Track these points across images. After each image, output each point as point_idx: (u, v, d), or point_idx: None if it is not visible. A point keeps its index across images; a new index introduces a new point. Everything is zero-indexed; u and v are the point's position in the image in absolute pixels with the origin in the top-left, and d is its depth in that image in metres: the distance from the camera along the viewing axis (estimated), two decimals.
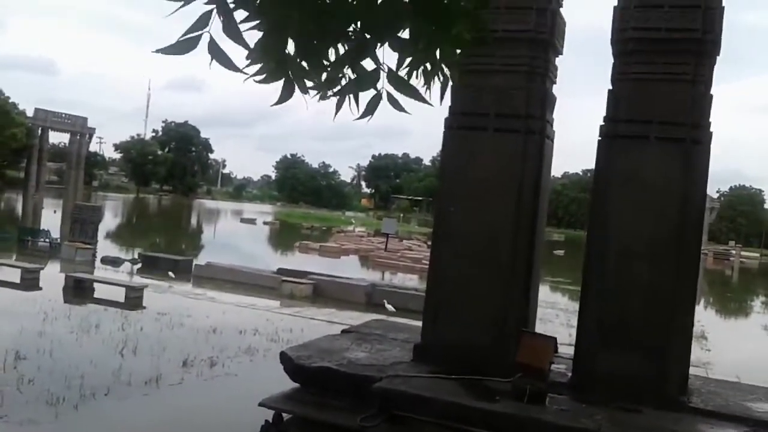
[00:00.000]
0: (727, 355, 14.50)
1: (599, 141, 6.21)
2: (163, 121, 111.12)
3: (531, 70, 6.50)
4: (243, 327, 12.56)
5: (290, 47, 2.09)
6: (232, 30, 1.99)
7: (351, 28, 2.08)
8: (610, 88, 6.22)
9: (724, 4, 5.94)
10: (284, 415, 6.03)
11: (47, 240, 24.19)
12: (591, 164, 6.45)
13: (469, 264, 6.49)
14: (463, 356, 6.18)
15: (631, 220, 5.94)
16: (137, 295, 14.67)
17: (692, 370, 6.29)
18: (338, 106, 2.24)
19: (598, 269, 6.06)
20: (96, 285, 15.70)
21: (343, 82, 2.21)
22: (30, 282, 15.68)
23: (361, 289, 17.94)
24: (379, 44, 2.09)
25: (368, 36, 2.07)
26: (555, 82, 6.93)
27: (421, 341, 6.62)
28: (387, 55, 2.15)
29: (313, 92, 2.25)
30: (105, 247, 25.03)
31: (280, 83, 2.16)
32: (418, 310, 8.19)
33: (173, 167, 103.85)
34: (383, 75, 2.15)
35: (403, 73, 2.19)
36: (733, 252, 65.48)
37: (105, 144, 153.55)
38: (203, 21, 2.00)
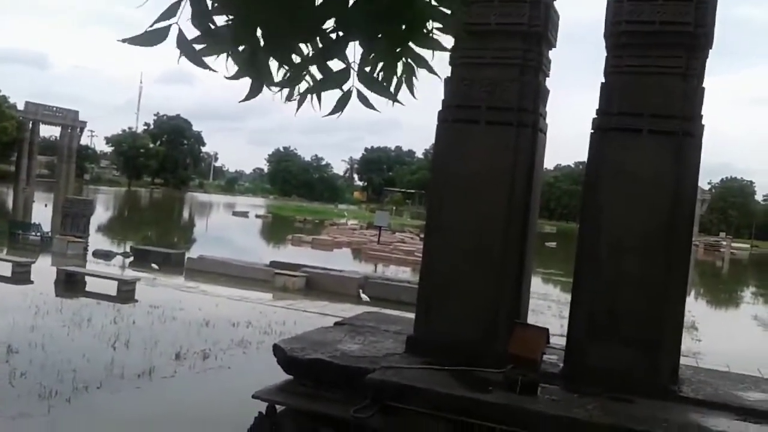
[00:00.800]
0: (717, 345, 14.62)
1: (591, 134, 6.23)
2: (154, 114, 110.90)
3: (524, 63, 6.50)
4: (236, 320, 12.57)
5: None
6: (202, 21, 1.96)
7: (324, 27, 2.06)
8: (603, 81, 6.24)
9: None
10: (277, 406, 6.05)
11: (38, 234, 24.10)
12: (583, 157, 6.48)
13: (461, 256, 6.51)
14: (455, 348, 6.21)
15: (622, 212, 5.97)
16: (129, 289, 14.66)
17: (683, 360, 6.34)
18: (299, 103, 2.24)
19: (589, 261, 6.10)
20: (88, 278, 15.67)
21: (307, 80, 2.20)
22: (21, 276, 15.63)
23: (354, 281, 17.97)
24: (349, 42, 2.07)
25: (340, 34, 2.05)
26: (548, 75, 6.94)
27: (414, 333, 6.65)
28: (351, 53, 2.15)
29: (277, 90, 2.24)
30: (97, 241, 24.96)
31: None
32: (411, 302, 8.21)
33: (165, 160, 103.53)
34: (353, 73, 2.13)
35: (368, 70, 2.18)
36: (724, 243, 65.95)
37: (96, 137, 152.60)
38: (171, 11, 1.96)
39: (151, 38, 1.97)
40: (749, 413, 5.32)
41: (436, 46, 2.18)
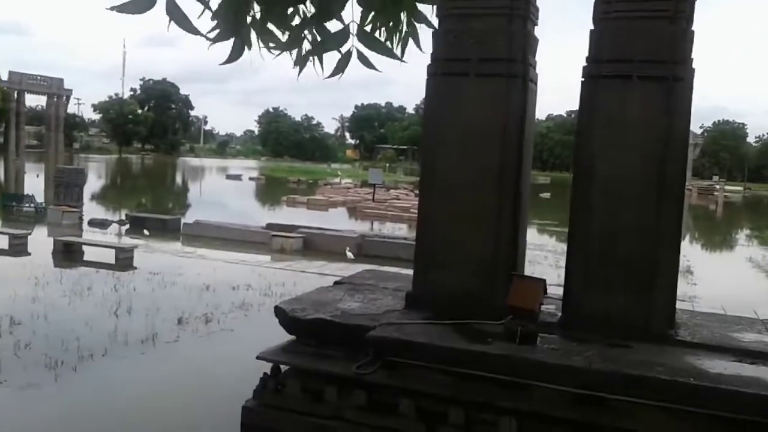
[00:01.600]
0: (713, 288, 14.81)
1: (582, 82, 6.19)
2: (140, 79, 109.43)
3: (512, 13, 6.41)
4: (235, 283, 12.65)
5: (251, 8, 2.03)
6: None
7: None
8: (592, 28, 6.17)
9: None
10: (282, 366, 6.14)
11: (32, 205, 24.01)
12: (575, 106, 6.45)
13: (456, 211, 6.53)
14: (454, 302, 6.28)
15: (615, 160, 5.98)
16: (127, 256, 14.70)
17: (679, 305, 6.43)
18: (301, 67, 2.21)
19: (584, 210, 6.12)
20: (85, 248, 15.70)
21: (306, 42, 2.16)
22: (18, 248, 15.65)
23: (351, 240, 18.04)
24: (346, 1, 2.04)
25: None
26: (537, 24, 6.86)
27: (413, 289, 6.71)
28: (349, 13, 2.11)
29: (275, 51, 2.20)
30: (91, 210, 24.92)
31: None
32: (409, 258, 8.27)
33: (154, 126, 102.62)
34: (352, 34, 2.11)
35: (367, 29, 2.15)
36: (717, 187, 66.11)
37: (83, 105, 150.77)
38: None
39: (138, 5, 1.93)
40: (745, 354, 5.42)
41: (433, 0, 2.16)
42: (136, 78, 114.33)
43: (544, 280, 5.92)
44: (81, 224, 21.40)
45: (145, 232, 19.62)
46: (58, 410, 6.75)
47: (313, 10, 2.10)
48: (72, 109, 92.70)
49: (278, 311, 6.30)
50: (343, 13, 2.07)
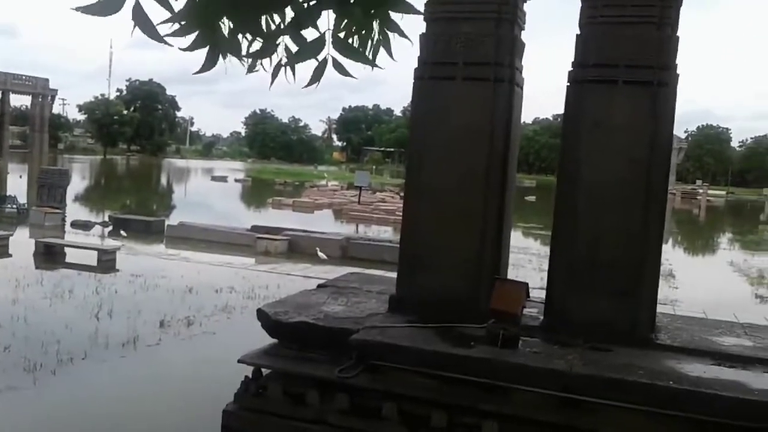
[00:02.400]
0: (694, 292, 14.91)
1: (568, 86, 6.21)
2: (127, 80, 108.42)
3: (499, 17, 6.42)
4: (219, 285, 12.57)
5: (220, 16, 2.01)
6: None
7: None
8: (578, 32, 6.19)
9: None
10: (263, 370, 6.09)
11: (14, 206, 23.74)
12: (561, 109, 6.47)
13: (441, 213, 6.52)
14: (438, 305, 6.27)
15: (599, 163, 6.00)
16: (110, 258, 14.57)
17: (660, 308, 6.46)
18: (274, 75, 2.20)
19: (567, 213, 6.14)
20: (67, 249, 15.54)
21: (279, 50, 2.15)
22: None
23: (336, 242, 18.00)
24: (322, 10, 2.03)
25: (312, 2, 2.00)
26: (523, 29, 6.87)
27: (397, 292, 6.69)
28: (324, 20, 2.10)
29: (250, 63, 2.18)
30: (74, 211, 24.68)
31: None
32: (394, 261, 8.25)
33: (140, 126, 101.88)
34: (327, 41, 2.09)
35: (343, 37, 2.14)
36: (701, 191, 66.72)
37: (69, 105, 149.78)
38: None
39: (104, 7, 1.90)
40: (724, 358, 5.46)
41: (410, 9, 2.15)
42: (123, 79, 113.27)
43: (527, 284, 5.92)
44: (63, 226, 21.18)
45: (122, 233, 19.47)
46: (36, 414, 6.66)
47: (287, 18, 2.08)
48: (57, 109, 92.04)
49: (261, 314, 6.26)
50: (318, 21, 2.06)
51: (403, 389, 5.45)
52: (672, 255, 22.18)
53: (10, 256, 15.18)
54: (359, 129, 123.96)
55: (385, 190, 46.60)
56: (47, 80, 72.07)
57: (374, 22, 2.20)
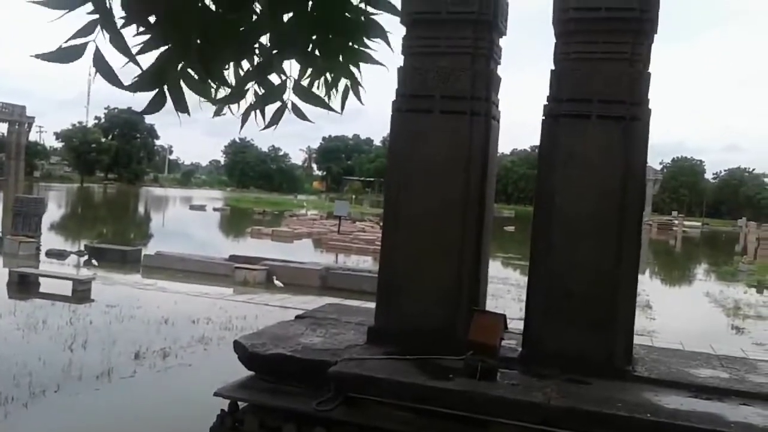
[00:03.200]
0: (671, 323, 15.02)
1: (543, 120, 6.32)
2: (105, 108, 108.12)
3: (475, 52, 6.54)
4: (196, 316, 12.43)
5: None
6: (119, 43, 1.92)
7: (260, 43, 2.07)
8: (553, 67, 6.32)
9: None
10: (240, 403, 6.02)
11: None
12: (538, 141, 6.57)
13: (419, 244, 6.55)
14: (416, 337, 6.26)
15: (574, 196, 6.08)
16: (85, 288, 14.37)
17: (637, 339, 6.51)
18: (243, 120, 2.24)
19: (544, 245, 6.20)
20: (41, 279, 15.30)
21: (249, 95, 2.20)
22: None
23: (315, 273, 17.94)
24: (285, 59, 2.08)
25: (275, 51, 2.05)
26: (499, 63, 7.00)
27: (375, 324, 6.68)
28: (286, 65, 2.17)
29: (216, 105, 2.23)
30: (50, 240, 24.37)
31: None
32: (373, 291, 8.24)
33: (118, 155, 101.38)
34: (288, 86, 2.15)
35: (305, 83, 2.21)
36: (676, 222, 67.50)
37: (46, 133, 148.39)
38: (88, 29, 1.92)
39: (65, 55, 1.92)
40: (701, 390, 5.50)
41: (373, 61, 2.22)
42: (102, 107, 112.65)
43: (505, 316, 5.94)
44: (38, 255, 20.88)
45: (94, 262, 19.28)
46: None
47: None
48: (34, 136, 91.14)
49: (237, 346, 6.20)
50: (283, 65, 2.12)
51: (381, 422, 5.41)
52: (649, 286, 22.38)
53: None
54: (339, 158, 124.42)
55: (364, 220, 46.63)
56: (24, 107, 71.40)
57: (334, 71, 2.27)
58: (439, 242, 6.50)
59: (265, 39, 2.05)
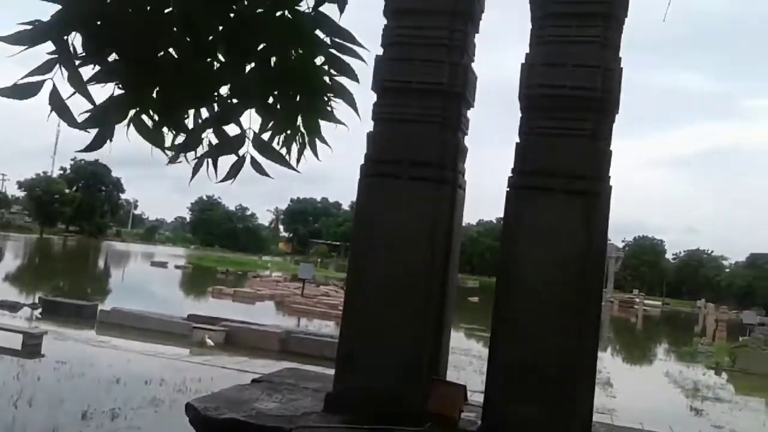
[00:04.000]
0: (631, 402, 14.98)
1: (507, 192, 6.43)
2: (72, 159, 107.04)
3: (444, 122, 6.68)
4: (149, 377, 12.02)
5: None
6: (76, 81, 1.91)
7: (220, 92, 2.07)
8: (518, 141, 6.48)
9: (622, 66, 6.35)
10: None
11: None
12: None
13: (381, 311, 6.49)
14: (375, 405, 6.13)
15: (536, 268, 6.13)
16: (36, 343, 13.84)
17: (598, 417, 6.46)
18: (195, 171, 2.21)
19: (505, 317, 6.20)
20: None
21: (204, 145, 2.18)
22: None
23: (275, 336, 17.59)
24: (245, 109, 2.08)
25: (235, 101, 2.06)
26: (466, 134, 7.16)
27: (333, 390, 6.53)
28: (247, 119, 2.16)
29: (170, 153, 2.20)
30: (3, 291, 23.62)
31: None
32: (334, 357, 8.10)
33: (81, 207, 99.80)
34: (248, 139, 2.14)
35: (265, 137, 2.20)
36: (637, 300, 68.26)
37: (9, 181, 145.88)
38: (47, 66, 1.91)
39: (21, 91, 1.90)
40: None
41: (332, 118, 2.23)
42: (69, 157, 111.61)
43: (465, 387, 5.88)
44: None
45: (36, 314, 18.71)
46: None
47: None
48: None
49: (189, 409, 6.00)
50: (242, 118, 2.11)
51: None
52: (610, 363, 22.40)
53: None
54: (307, 221, 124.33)
55: (329, 284, 46.23)
56: None
57: (296, 126, 2.27)
58: (402, 309, 6.45)
59: (226, 89, 2.05)
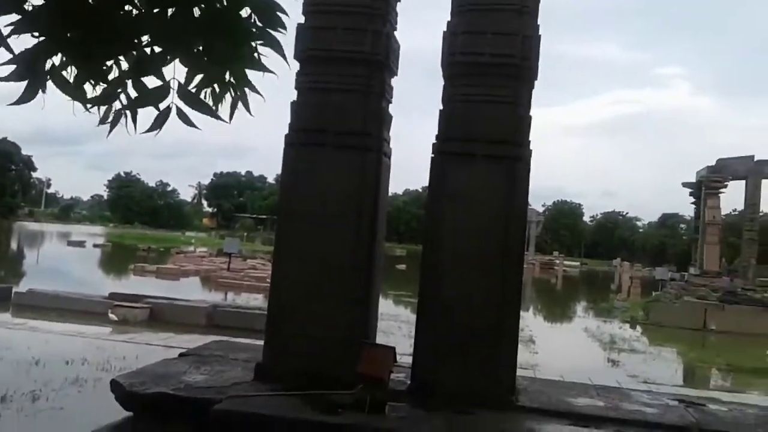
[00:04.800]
0: (552, 357, 15.59)
1: (432, 158, 6.52)
2: None
3: (367, 90, 6.69)
4: (70, 357, 11.62)
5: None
6: None
7: (140, 41, 1.99)
8: (441, 108, 6.56)
9: (540, 34, 6.49)
10: None
11: None
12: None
13: (308, 280, 6.51)
14: (305, 372, 6.17)
15: (460, 232, 6.28)
16: None
17: (521, 372, 6.72)
18: (113, 123, 2.15)
19: (431, 280, 6.33)
20: None
21: (123, 97, 2.11)
22: None
23: (202, 311, 17.33)
24: (168, 59, 2.02)
25: (157, 49, 1.99)
26: (390, 102, 7.18)
27: (263, 360, 6.54)
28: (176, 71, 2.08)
29: (91, 107, 2.12)
30: None
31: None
32: (263, 329, 8.07)
33: None
34: (173, 90, 2.09)
35: (194, 88, 2.13)
36: (557, 261, 70.82)
37: None
38: None
39: None
40: (579, 418, 5.75)
41: (262, 67, 2.18)
42: None
43: (394, 348, 5.99)
44: None
45: None
46: None
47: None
48: None
49: (115, 385, 5.89)
50: (164, 69, 2.03)
51: None
52: (532, 322, 23.21)
53: None
54: (231, 195, 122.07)
55: (256, 258, 45.67)
56: None
57: (225, 77, 2.21)
58: (329, 277, 6.49)
59: (147, 38, 1.98)
